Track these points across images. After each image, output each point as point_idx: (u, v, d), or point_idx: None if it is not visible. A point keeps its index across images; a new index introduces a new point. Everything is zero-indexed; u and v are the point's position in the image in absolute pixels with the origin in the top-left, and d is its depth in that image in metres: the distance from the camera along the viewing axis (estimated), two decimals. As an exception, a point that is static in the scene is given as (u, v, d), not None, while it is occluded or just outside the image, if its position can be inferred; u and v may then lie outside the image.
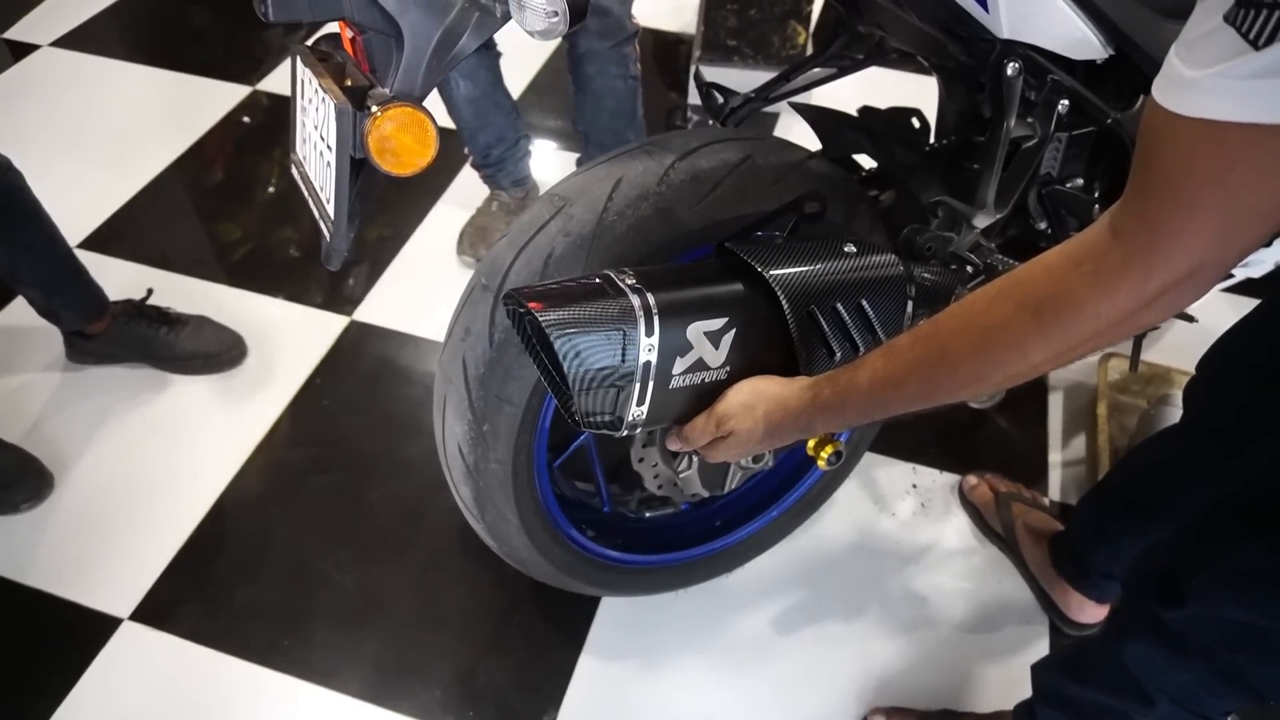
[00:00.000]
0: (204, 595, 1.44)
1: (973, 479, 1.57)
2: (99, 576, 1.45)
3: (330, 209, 0.85)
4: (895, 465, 1.63)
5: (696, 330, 0.84)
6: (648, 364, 0.82)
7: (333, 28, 0.89)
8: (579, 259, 0.98)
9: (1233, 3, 0.45)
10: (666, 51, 2.64)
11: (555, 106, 2.39)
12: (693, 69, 2.33)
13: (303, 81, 0.89)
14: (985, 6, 0.94)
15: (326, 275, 1.96)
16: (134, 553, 1.49)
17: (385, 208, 2.12)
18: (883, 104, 1.25)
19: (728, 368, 0.87)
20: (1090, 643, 1.04)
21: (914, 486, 1.61)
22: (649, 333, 0.81)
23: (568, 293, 0.81)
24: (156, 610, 1.42)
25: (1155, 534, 1.19)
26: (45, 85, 2.49)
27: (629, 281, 0.83)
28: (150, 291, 1.77)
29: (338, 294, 1.93)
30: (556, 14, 0.70)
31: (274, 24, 0.75)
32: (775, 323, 0.87)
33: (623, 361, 0.81)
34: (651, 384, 0.83)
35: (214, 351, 1.76)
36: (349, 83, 0.86)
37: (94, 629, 1.39)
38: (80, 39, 2.64)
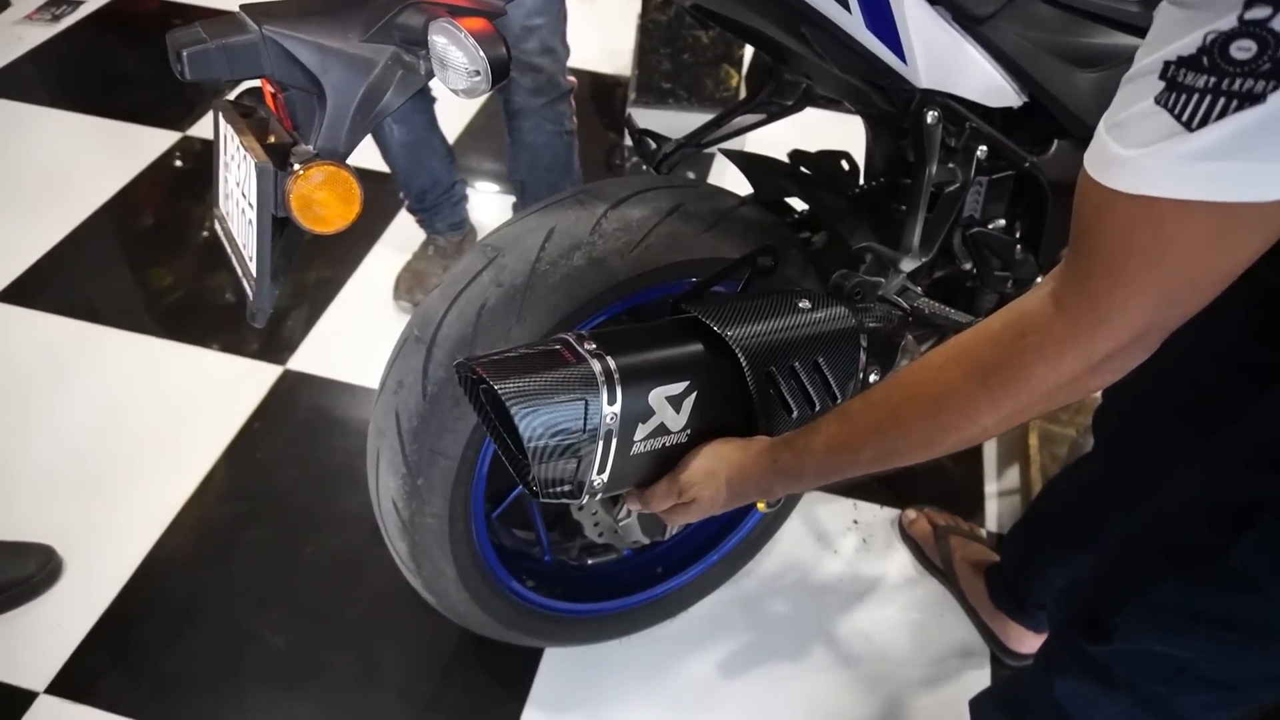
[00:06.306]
0: (127, 664, 1.37)
1: (911, 513, 1.59)
2: (12, 648, 1.38)
3: (253, 267, 0.83)
4: (836, 502, 1.65)
5: (658, 395, 0.80)
6: (609, 432, 0.78)
7: (256, 81, 0.88)
8: (512, 309, 0.98)
9: (1162, 86, 0.46)
10: (603, 94, 2.66)
11: (492, 150, 2.39)
12: (627, 112, 2.36)
13: (225, 137, 0.87)
14: (903, 58, 0.97)
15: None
16: (51, 621, 1.41)
17: (322, 252, 2.09)
18: (816, 144, 1.28)
19: (688, 431, 0.84)
20: (1023, 677, 1.05)
21: (855, 523, 1.62)
22: (611, 400, 0.77)
23: (526, 360, 0.77)
24: (75, 682, 1.35)
25: (1078, 561, 1.21)
26: (-40, 132, 2.42)
27: (589, 346, 0.79)
28: None
29: (272, 342, 1.89)
30: (479, 73, 0.70)
31: (191, 83, 0.73)
32: (735, 383, 0.85)
33: (584, 431, 0.77)
34: (613, 451, 0.80)
35: (22, 575, 1.44)
36: (272, 139, 0.85)
37: (6, 705, 1.31)
38: (-3, 84, 2.57)
